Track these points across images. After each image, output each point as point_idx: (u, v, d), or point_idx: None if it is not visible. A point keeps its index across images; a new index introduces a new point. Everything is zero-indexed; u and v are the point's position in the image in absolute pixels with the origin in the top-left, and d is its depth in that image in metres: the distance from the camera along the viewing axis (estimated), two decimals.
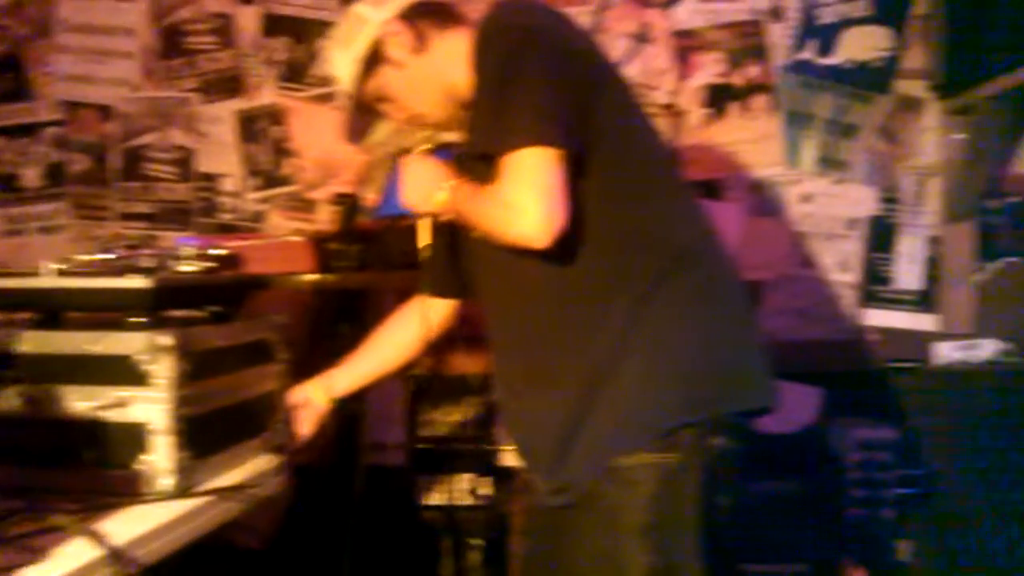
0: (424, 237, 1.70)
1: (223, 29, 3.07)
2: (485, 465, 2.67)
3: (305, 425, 1.90)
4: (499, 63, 1.54)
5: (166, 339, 1.43)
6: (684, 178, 1.71)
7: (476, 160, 1.57)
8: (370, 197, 2.92)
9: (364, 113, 1.78)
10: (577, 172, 1.50)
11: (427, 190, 1.61)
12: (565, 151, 1.47)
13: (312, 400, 1.91)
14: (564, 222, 1.47)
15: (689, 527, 1.54)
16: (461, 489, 2.71)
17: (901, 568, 2.89)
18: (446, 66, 1.69)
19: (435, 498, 2.73)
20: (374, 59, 1.71)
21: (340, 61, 1.75)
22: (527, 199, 1.46)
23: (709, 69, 2.89)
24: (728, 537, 2.17)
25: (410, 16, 1.71)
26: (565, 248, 1.51)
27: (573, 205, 1.48)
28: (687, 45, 2.88)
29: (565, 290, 1.61)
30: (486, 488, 2.65)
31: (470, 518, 2.70)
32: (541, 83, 1.50)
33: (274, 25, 3.05)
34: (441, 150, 1.77)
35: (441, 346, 2.65)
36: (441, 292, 1.91)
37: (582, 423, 1.59)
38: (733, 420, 1.60)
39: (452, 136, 1.76)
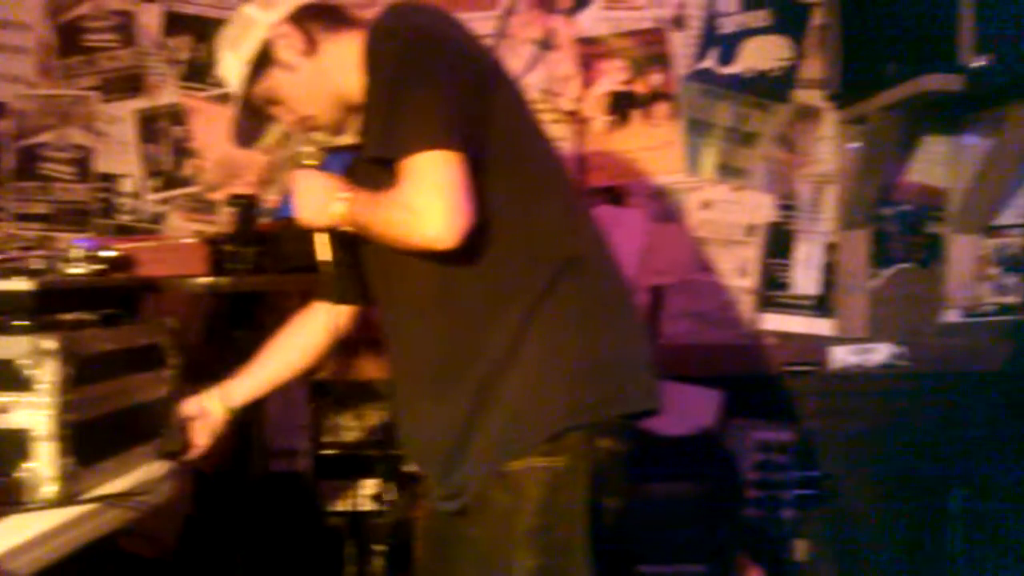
0: (323, 251, 1.70)
1: (124, 27, 3.05)
2: (390, 471, 2.69)
3: (201, 436, 1.89)
4: (392, 66, 1.55)
5: (49, 343, 1.42)
6: (573, 183, 1.75)
7: (372, 165, 1.58)
8: (271, 198, 2.92)
9: (253, 116, 1.79)
10: (472, 175, 1.52)
11: (321, 203, 1.61)
12: (463, 154, 1.49)
13: (208, 410, 1.90)
14: (469, 222, 1.49)
15: (578, 530, 1.58)
16: (366, 495, 2.72)
17: (798, 567, 2.98)
18: (336, 69, 1.70)
19: (339, 504, 2.73)
20: (263, 61, 1.72)
21: (228, 63, 1.75)
22: (430, 202, 1.47)
23: (613, 76, 2.95)
24: (624, 538, 2.24)
25: (300, 18, 1.71)
26: (462, 253, 1.53)
27: (476, 206, 1.50)
28: (591, 52, 2.94)
29: (457, 295, 1.63)
30: (391, 494, 2.66)
31: (374, 524, 2.71)
32: (435, 86, 1.52)
33: (176, 24, 3.03)
34: (337, 154, 1.78)
35: (346, 351, 2.67)
36: (341, 299, 1.90)
37: (473, 428, 1.62)
38: (620, 423, 1.63)
39: (344, 140, 1.77)
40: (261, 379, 1.98)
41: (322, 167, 1.67)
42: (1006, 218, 3.08)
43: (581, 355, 1.60)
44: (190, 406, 1.88)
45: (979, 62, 2.27)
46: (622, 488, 1.67)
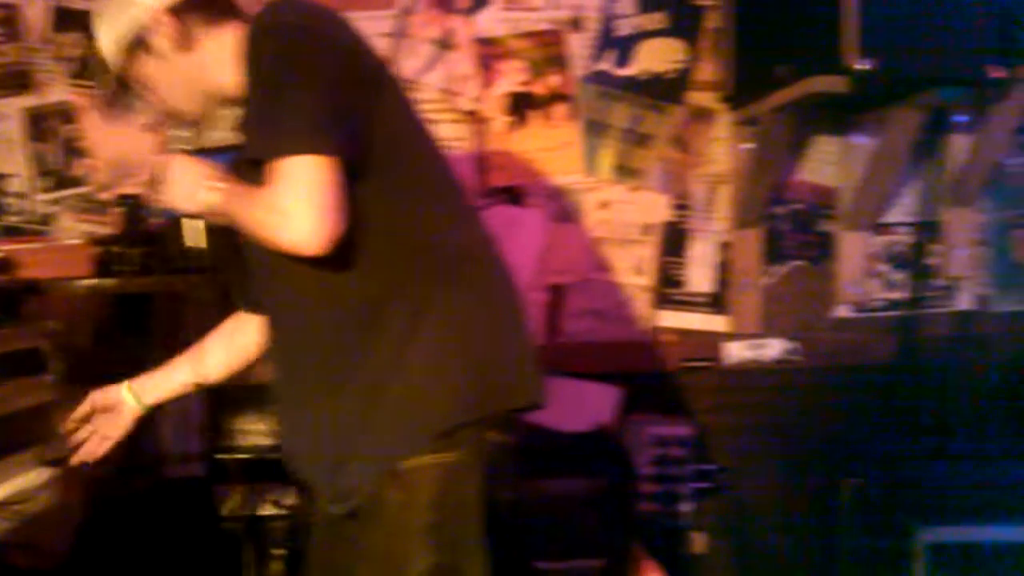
0: (194, 238, 1.69)
1: (9, 21, 2.98)
2: (288, 474, 2.68)
3: (113, 430, 1.86)
4: (271, 65, 1.54)
5: None
6: (461, 184, 1.77)
7: (250, 165, 1.57)
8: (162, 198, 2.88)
9: (122, 93, 1.76)
10: (352, 176, 1.53)
11: (192, 189, 1.60)
12: (338, 158, 1.49)
13: (120, 404, 1.87)
14: (338, 229, 1.50)
15: (472, 525, 1.61)
16: (264, 499, 2.71)
17: (696, 560, 3.05)
18: (212, 66, 1.70)
19: (237, 509, 2.71)
20: (135, 45, 1.70)
21: (103, 36, 1.73)
22: (298, 206, 1.47)
23: (511, 77, 2.98)
24: (521, 534, 2.27)
25: (181, 9, 1.69)
26: (342, 254, 1.54)
27: (349, 210, 1.51)
28: (490, 53, 2.97)
29: (342, 296, 1.64)
30: (289, 498, 2.65)
31: (273, 528, 2.69)
32: (313, 87, 1.52)
33: (65, 19, 2.97)
34: (220, 152, 1.77)
35: None
36: (249, 304, 1.90)
37: (361, 429, 1.64)
38: (507, 416, 1.67)
39: (226, 137, 1.76)
40: (180, 379, 1.97)
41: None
42: (893, 216, 3.18)
43: (466, 353, 1.64)
44: (103, 397, 1.84)
45: (863, 65, 2.35)
46: (513, 481, 1.68)
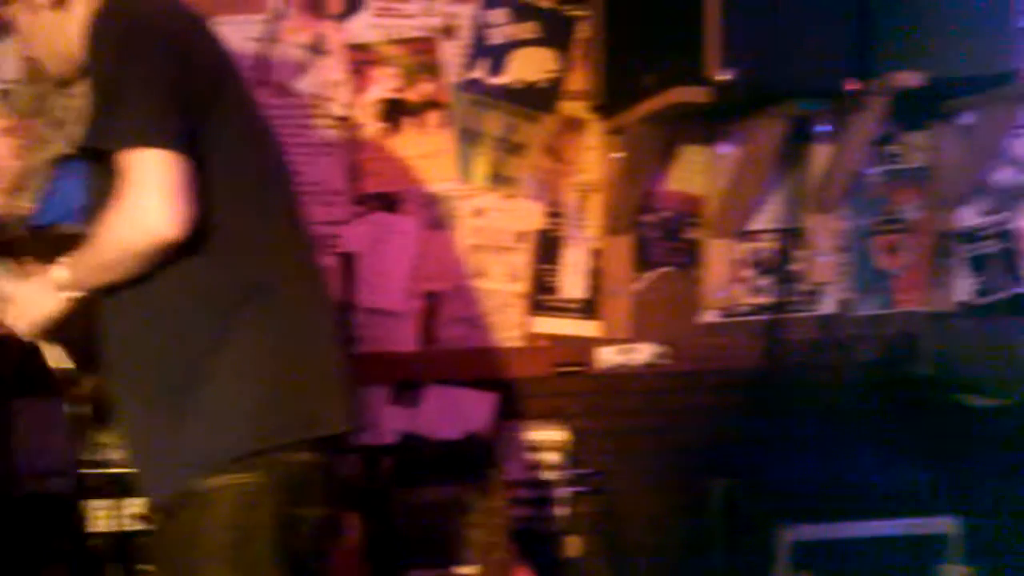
0: (56, 359, 1.66)
1: None
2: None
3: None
4: (112, 55, 1.53)
5: None
6: (292, 191, 1.75)
7: (91, 155, 1.56)
8: (24, 205, 2.79)
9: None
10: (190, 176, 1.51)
11: (44, 301, 1.63)
12: (179, 153, 1.49)
13: None
14: (191, 213, 1.50)
15: (270, 545, 1.61)
16: (130, 514, 2.64)
17: (570, 563, 3.08)
18: (75, 30, 1.66)
19: (102, 525, 2.64)
20: None
21: None
22: (148, 198, 1.47)
23: (384, 84, 2.97)
24: (394, 542, 2.26)
25: None
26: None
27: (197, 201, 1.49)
28: (362, 59, 2.95)
29: (152, 308, 1.63)
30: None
31: (138, 544, 2.63)
32: (154, 81, 1.51)
33: None
34: (68, 168, 1.73)
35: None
36: None
37: (165, 445, 1.63)
38: (316, 441, 1.66)
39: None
40: None
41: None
42: (758, 223, 3.27)
43: (273, 377, 1.63)
44: None
45: (724, 76, 2.41)
46: (324, 499, 1.69)
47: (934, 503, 2.71)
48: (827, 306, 3.36)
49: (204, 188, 1.57)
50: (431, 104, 3.04)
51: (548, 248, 3.13)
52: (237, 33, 2.92)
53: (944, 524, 2.65)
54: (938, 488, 2.77)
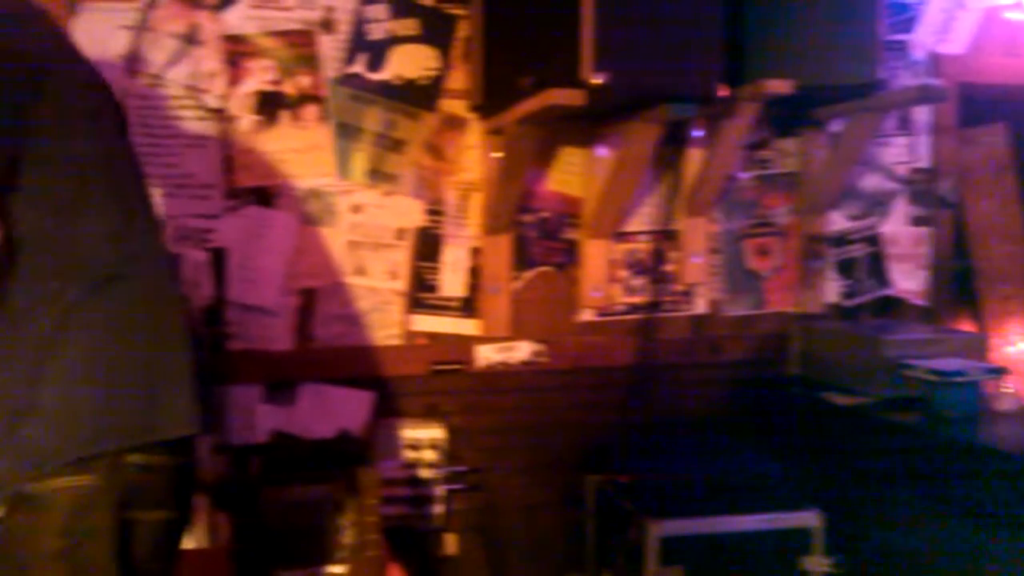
0: None
1: None
2: None
3: None
4: None
5: None
6: (131, 190, 1.69)
7: None
8: None
9: None
10: (5, 180, 1.45)
11: None
12: None
13: None
14: None
15: (105, 548, 1.56)
16: None
17: (448, 561, 3.07)
18: None
19: None
20: None
21: None
22: None
23: (260, 76, 2.91)
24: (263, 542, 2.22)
25: None
26: None
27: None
28: (238, 50, 2.89)
29: None
30: None
31: None
32: None
33: None
34: None
35: None
36: None
37: None
38: (159, 443, 1.62)
39: None
40: None
41: None
42: (634, 225, 3.32)
43: (111, 378, 1.58)
44: None
45: (598, 79, 2.44)
46: (167, 501, 1.65)
47: (798, 498, 2.78)
48: (699, 306, 3.43)
49: (31, 186, 1.52)
50: (308, 98, 3.00)
51: (428, 246, 3.12)
52: (108, 20, 2.84)
53: (807, 518, 2.73)
54: (802, 483, 2.85)
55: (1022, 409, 2.84)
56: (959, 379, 2.71)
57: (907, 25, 3.62)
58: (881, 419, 2.82)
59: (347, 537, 2.50)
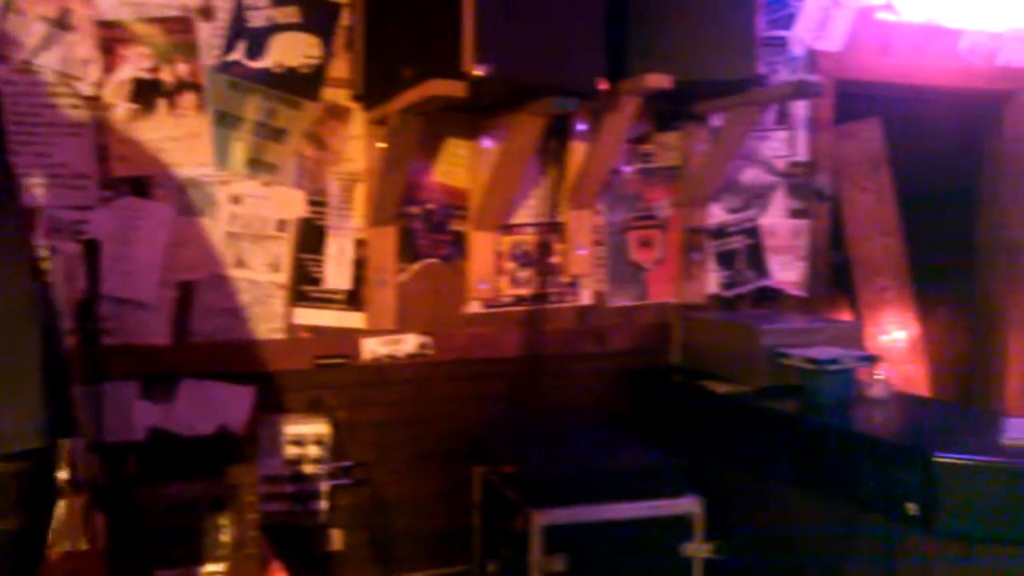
0: None
1: None
2: None
3: None
4: None
5: None
6: None
7: None
8: None
9: None
10: None
11: None
12: None
13: None
14: None
15: None
16: None
17: (334, 557, 3.05)
18: None
19: None
20: None
21: None
22: None
23: (136, 63, 2.84)
24: (139, 541, 2.16)
25: None
26: None
27: None
28: (112, 36, 2.81)
29: None
30: None
31: None
32: None
33: None
34: None
35: None
36: None
37: None
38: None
39: None
40: None
41: None
42: (519, 217, 3.35)
43: None
44: None
45: (479, 71, 2.44)
46: (13, 509, 1.60)
47: (679, 485, 2.84)
48: (584, 298, 3.48)
49: None
50: (186, 86, 2.94)
51: (310, 238, 3.10)
52: None
53: (688, 505, 2.79)
54: (683, 471, 2.91)
55: (893, 396, 2.95)
56: (833, 367, 2.81)
57: (786, 22, 3.73)
58: (759, 407, 2.90)
59: (226, 535, 2.46)
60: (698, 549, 2.79)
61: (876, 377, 2.91)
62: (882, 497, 2.39)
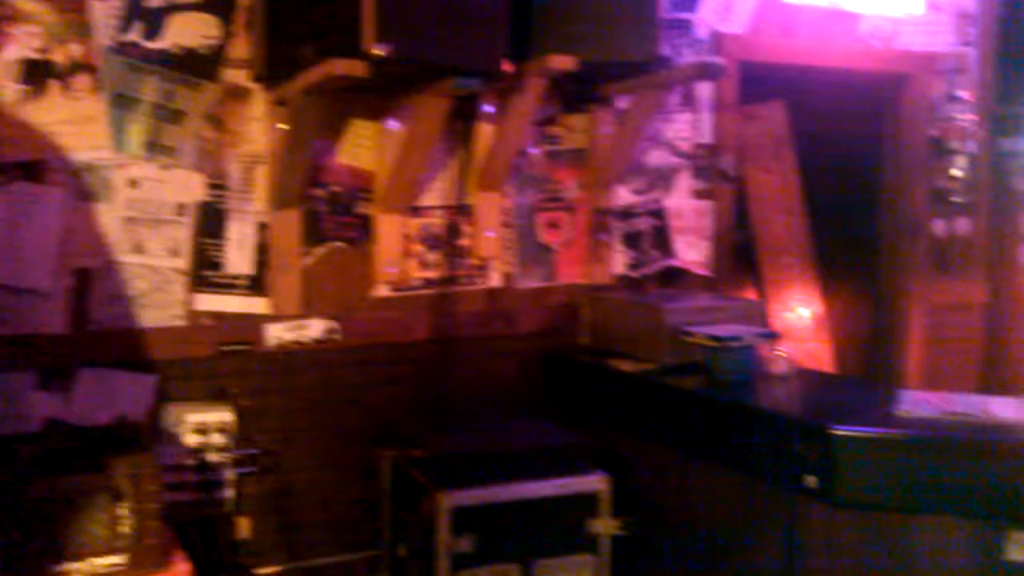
0: None
1: None
2: None
3: None
4: None
5: None
6: None
7: None
8: None
9: None
10: None
11: None
12: None
13: None
14: None
15: None
16: None
17: (242, 545, 3.03)
18: None
19: None
20: None
21: None
22: None
23: (25, 43, 2.76)
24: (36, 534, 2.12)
25: None
26: None
27: None
28: None
29: None
30: None
31: None
32: None
33: None
34: None
35: None
36: None
37: None
38: None
39: None
40: None
41: None
42: (427, 199, 3.34)
43: None
44: None
45: (379, 51, 2.43)
46: None
47: (587, 463, 2.88)
48: (493, 280, 3.50)
49: None
50: (80, 67, 2.89)
51: (211, 221, 3.06)
52: None
53: (594, 482, 2.83)
54: (591, 449, 2.96)
55: (795, 371, 3.03)
56: (734, 344, 2.87)
57: (691, 4, 3.79)
58: (663, 384, 2.95)
59: (125, 527, 2.42)
60: (605, 525, 2.83)
61: (778, 353, 2.98)
62: (783, 470, 2.45)
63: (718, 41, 3.77)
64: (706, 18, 3.78)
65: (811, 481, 2.34)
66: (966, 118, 4.38)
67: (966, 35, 4.40)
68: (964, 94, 4.37)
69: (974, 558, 2.29)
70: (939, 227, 4.44)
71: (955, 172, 4.39)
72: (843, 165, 4.42)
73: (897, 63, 4.24)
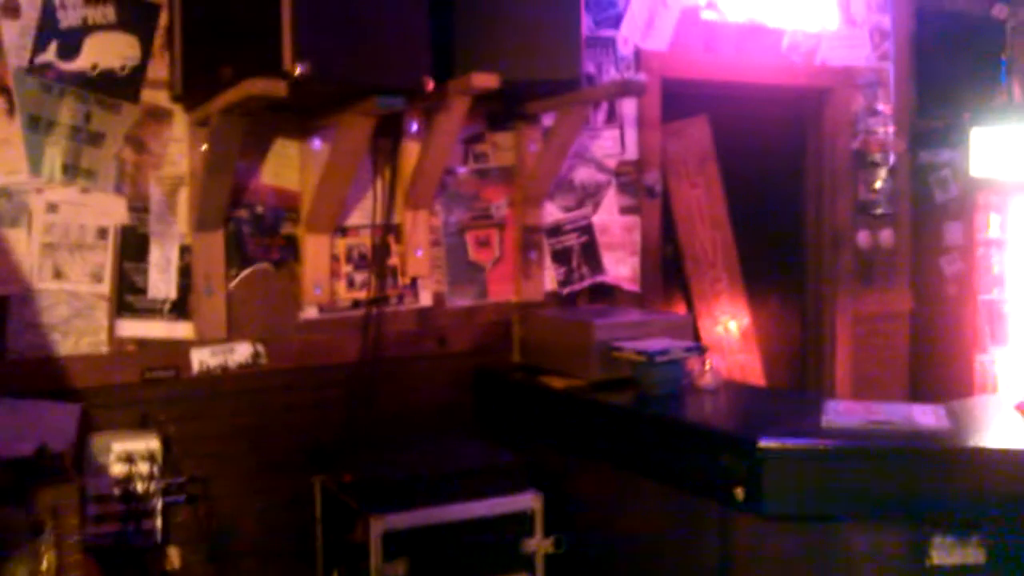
0: None
1: None
2: None
3: None
4: None
5: None
6: None
7: None
8: None
9: None
10: None
11: None
12: None
13: None
14: None
15: None
16: None
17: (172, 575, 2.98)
18: None
19: None
20: None
21: None
22: None
23: None
24: None
25: None
26: None
27: None
28: None
29: None
30: None
31: None
32: None
33: None
34: None
35: None
36: None
37: None
38: None
39: None
40: None
41: None
42: (355, 219, 3.34)
43: None
44: None
45: (298, 70, 2.43)
46: None
47: (519, 482, 2.89)
48: (424, 299, 3.50)
49: None
50: None
51: (133, 245, 3.02)
52: None
53: (527, 501, 2.84)
54: (524, 468, 2.97)
55: (723, 384, 3.08)
56: (662, 358, 2.90)
57: (613, 22, 3.84)
58: (593, 400, 2.97)
59: (47, 561, 2.37)
60: (539, 544, 2.84)
61: (706, 367, 3.02)
62: (712, 483, 2.48)
63: (641, 58, 3.84)
64: (629, 35, 3.84)
65: (739, 493, 2.38)
66: (886, 131, 4.50)
67: (883, 50, 4.52)
68: (884, 107, 4.49)
69: (902, 564, 2.34)
70: (863, 238, 4.55)
71: (877, 184, 4.49)
72: (768, 179, 4.51)
73: (818, 77, 4.35)
